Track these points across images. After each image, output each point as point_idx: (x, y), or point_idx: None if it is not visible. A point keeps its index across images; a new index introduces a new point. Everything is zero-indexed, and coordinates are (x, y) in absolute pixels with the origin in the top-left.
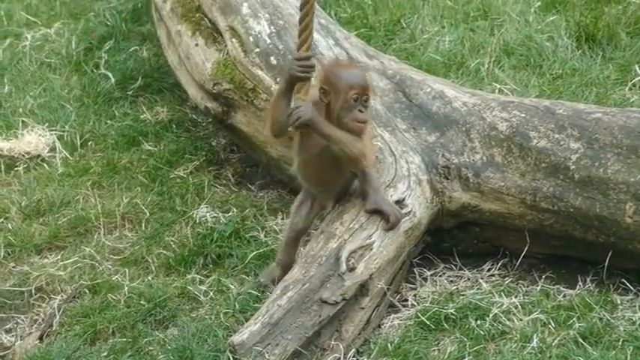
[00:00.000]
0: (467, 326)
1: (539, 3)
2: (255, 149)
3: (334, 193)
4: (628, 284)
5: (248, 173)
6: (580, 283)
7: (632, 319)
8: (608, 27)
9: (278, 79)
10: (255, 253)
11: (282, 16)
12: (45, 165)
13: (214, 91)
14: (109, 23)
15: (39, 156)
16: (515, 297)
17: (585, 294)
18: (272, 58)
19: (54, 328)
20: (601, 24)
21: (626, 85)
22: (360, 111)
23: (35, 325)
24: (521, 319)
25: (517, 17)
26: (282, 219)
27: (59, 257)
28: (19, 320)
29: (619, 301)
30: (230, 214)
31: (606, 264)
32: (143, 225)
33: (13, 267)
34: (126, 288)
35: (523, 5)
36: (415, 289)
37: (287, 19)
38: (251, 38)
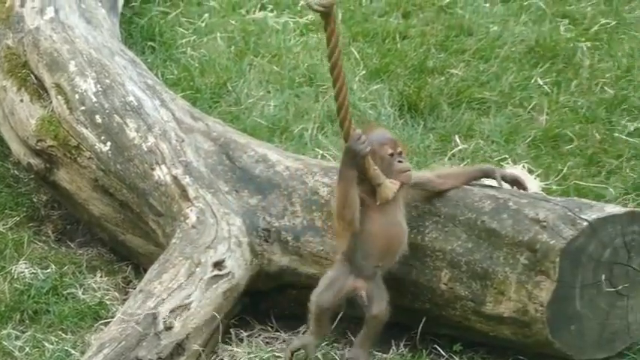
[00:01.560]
0: None
1: (364, 72)
2: (77, 207)
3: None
4: (440, 349)
5: (68, 230)
6: (394, 347)
7: None
8: (430, 97)
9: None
10: (72, 309)
11: (108, 74)
12: None
13: (37, 148)
14: None
15: None
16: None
17: (398, 358)
18: (97, 116)
19: None
20: (423, 94)
21: (445, 154)
22: (400, 162)
23: None
24: None
25: None
26: (102, 277)
27: None
28: None
29: None
30: (49, 270)
31: (419, 329)
32: None
33: None
34: None
35: (348, 73)
36: (232, 349)
37: (113, 77)
38: (77, 96)
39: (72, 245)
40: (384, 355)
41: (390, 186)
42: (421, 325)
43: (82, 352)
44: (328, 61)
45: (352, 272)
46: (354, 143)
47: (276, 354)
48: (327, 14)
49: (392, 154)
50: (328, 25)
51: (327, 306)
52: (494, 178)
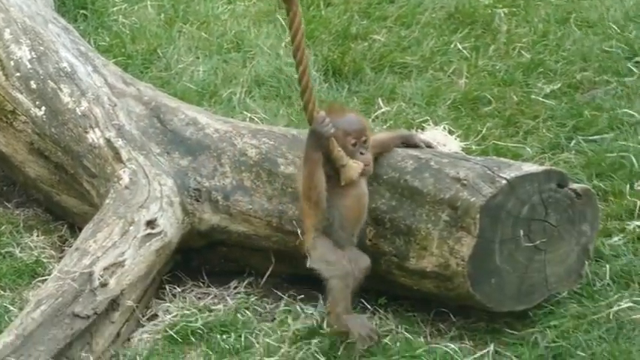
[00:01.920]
0: (213, 340)
1: (289, 38)
2: (13, 169)
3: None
4: (366, 303)
5: (5, 192)
6: (321, 301)
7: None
8: (354, 62)
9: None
10: (10, 267)
11: (42, 42)
12: None
13: None
14: None
15: None
16: (260, 315)
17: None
18: (32, 82)
19: None
20: (347, 59)
21: (369, 117)
22: (362, 153)
23: None
24: (265, 334)
25: (268, 50)
26: (38, 236)
27: None
28: None
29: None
30: None
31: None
32: None
33: None
34: None
35: (274, 39)
36: (165, 304)
37: (47, 45)
38: (12, 63)
39: (9, 206)
40: (312, 309)
41: (354, 166)
42: None
43: (20, 309)
44: (291, 44)
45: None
46: (318, 125)
47: (209, 308)
48: None
49: (355, 144)
50: (291, 9)
51: (349, 271)
52: (414, 143)
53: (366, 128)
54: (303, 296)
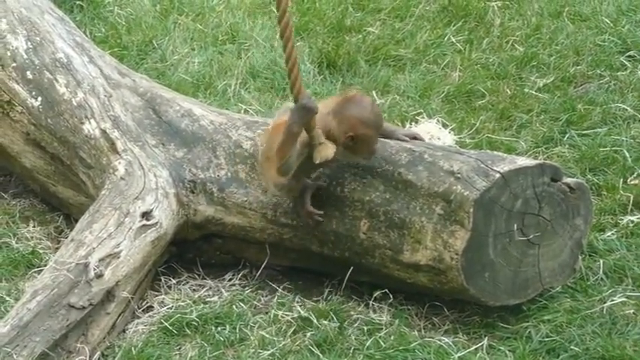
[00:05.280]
0: (208, 332)
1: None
2: (9, 159)
3: None
4: (361, 296)
5: (1, 182)
6: (315, 295)
7: (362, 329)
8: (348, 54)
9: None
10: (6, 258)
11: (39, 32)
12: None
13: None
14: None
15: None
16: (255, 307)
17: (321, 305)
18: (28, 72)
19: None
20: (342, 51)
21: None
22: (376, 143)
23: None
24: (260, 327)
25: (263, 42)
26: (34, 226)
27: None
28: None
29: (352, 312)
30: None
31: (347, 277)
32: None
33: None
34: None
35: (269, 31)
36: (160, 296)
37: (44, 35)
38: (8, 53)
39: (5, 196)
40: (307, 301)
41: (330, 146)
42: (348, 274)
43: (17, 299)
44: (278, 25)
45: None
46: (306, 101)
47: (204, 300)
48: None
49: (372, 136)
50: None
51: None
52: (395, 138)
53: (381, 118)
54: (298, 289)
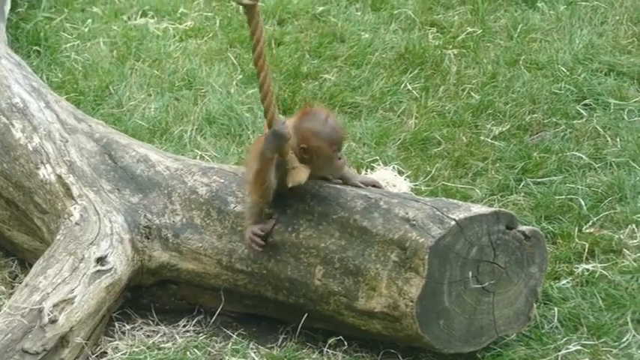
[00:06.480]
0: None
1: (241, 76)
2: None
3: None
4: (316, 343)
5: None
6: (270, 342)
7: None
8: (304, 101)
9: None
10: None
11: None
12: None
13: None
14: None
15: None
16: (209, 354)
17: (275, 351)
18: None
19: None
20: (298, 98)
21: None
22: (339, 158)
23: None
24: None
25: (220, 89)
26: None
27: None
28: None
29: (306, 359)
30: None
31: (301, 324)
32: None
33: None
34: None
35: (225, 78)
36: (114, 342)
37: (0, 80)
38: None
39: None
40: (262, 349)
41: (303, 170)
42: (302, 320)
43: None
44: (252, 53)
45: None
46: (280, 128)
47: (158, 347)
48: (252, 7)
49: (335, 151)
50: (252, 18)
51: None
52: (353, 184)
53: (344, 135)
54: (252, 335)
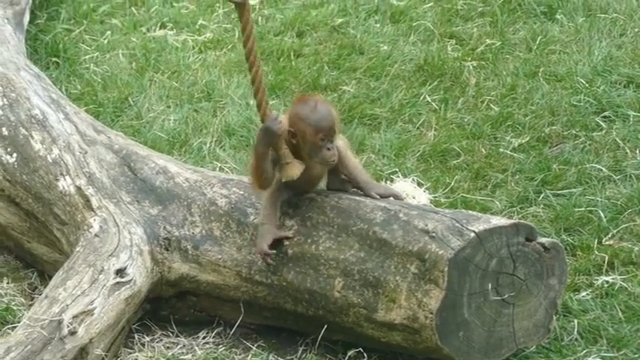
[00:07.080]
0: None
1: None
2: None
3: None
4: (335, 355)
5: None
6: (290, 353)
7: None
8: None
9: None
10: None
11: (14, 89)
12: None
13: None
14: None
15: None
16: None
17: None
18: (4, 128)
19: None
20: None
21: None
22: (328, 149)
23: None
24: None
25: (239, 100)
26: (8, 283)
27: None
28: None
29: None
30: None
31: (320, 336)
32: None
33: None
34: None
35: (245, 89)
36: (134, 353)
37: (19, 92)
38: None
39: None
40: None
41: (297, 166)
42: (322, 332)
43: None
44: (244, 48)
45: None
46: (271, 123)
47: (177, 358)
48: (242, 5)
49: (323, 139)
50: (243, 15)
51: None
52: (368, 195)
53: (335, 123)
54: (272, 347)
